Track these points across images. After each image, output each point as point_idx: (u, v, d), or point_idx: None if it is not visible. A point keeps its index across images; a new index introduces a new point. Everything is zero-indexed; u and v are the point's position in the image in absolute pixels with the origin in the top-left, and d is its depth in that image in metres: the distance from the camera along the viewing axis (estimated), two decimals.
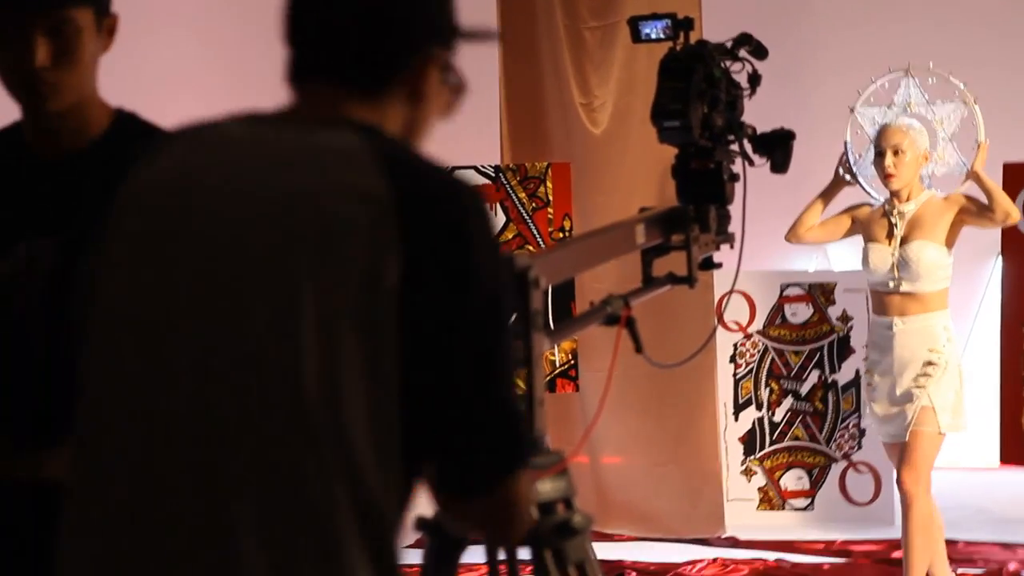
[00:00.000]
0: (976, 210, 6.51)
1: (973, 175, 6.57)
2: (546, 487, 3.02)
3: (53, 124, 2.94)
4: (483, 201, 2.24)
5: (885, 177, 6.38)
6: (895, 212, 6.43)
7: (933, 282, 6.43)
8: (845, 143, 6.83)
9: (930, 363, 6.32)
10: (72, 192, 2.77)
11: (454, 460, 2.18)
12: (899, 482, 6.47)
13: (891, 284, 6.42)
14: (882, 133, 6.51)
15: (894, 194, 6.44)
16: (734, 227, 3.77)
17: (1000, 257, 8.31)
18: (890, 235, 6.42)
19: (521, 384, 3.08)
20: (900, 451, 6.50)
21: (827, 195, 6.81)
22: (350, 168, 2.15)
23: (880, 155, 6.40)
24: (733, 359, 9.15)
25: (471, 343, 2.14)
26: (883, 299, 6.53)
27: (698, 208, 3.66)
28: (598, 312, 3.42)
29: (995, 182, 6.43)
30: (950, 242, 6.51)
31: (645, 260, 3.70)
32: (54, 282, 2.57)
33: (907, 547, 6.60)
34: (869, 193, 6.67)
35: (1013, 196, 7.85)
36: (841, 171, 6.77)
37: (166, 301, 2.17)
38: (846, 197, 6.97)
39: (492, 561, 3.34)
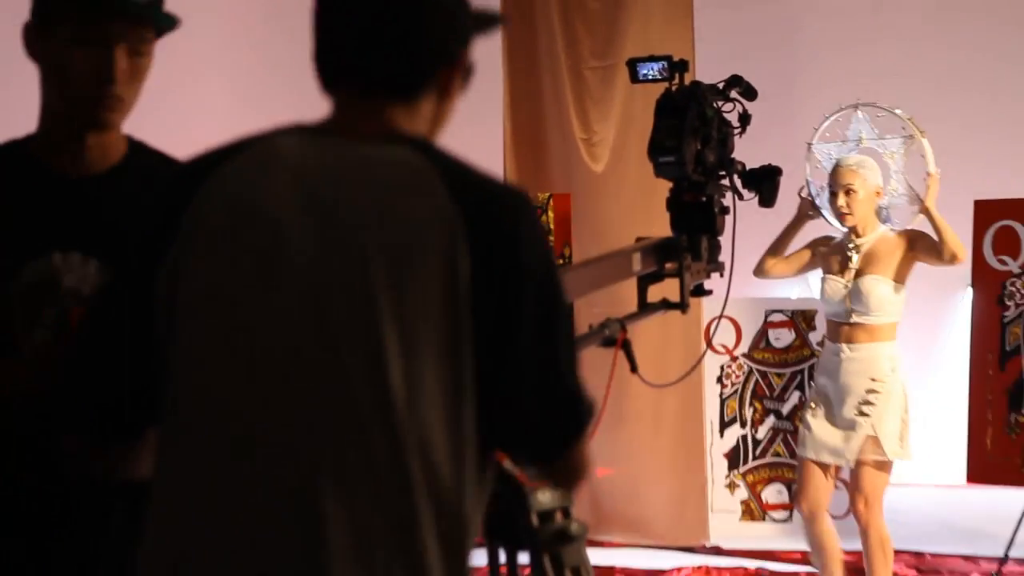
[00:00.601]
0: (927, 247, 6.51)
1: (924, 211, 6.57)
2: (545, 497, 2.94)
3: (87, 142, 2.83)
4: (532, 205, 2.28)
5: (839, 216, 6.39)
6: (851, 246, 6.44)
7: (883, 315, 6.41)
8: (807, 179, 6.83)
9: (872, 391, 6.31)
10: (96, 212, 2.76)
11: (533, 436, 2.29)
12: (853, 510, 6.47)
13: (843, 314, 6.41)
14: (834, 173, 6.52)
15: (851, 229, 6.44)
16: (724, 256, 3.83)
17: (971, 287, 8.25)
18: (845, 268, 6.41)
19: None
20: (831, 478, 6.54)
21: (791, 230, 6.80)
22: (417, 186, 2.17)
23: (834, 195, 6.42)
24: (720, 380, 9.16)
25: (537, 332, 2.19)
26: (835, 327, 6.49)
27: (691, 238, 3.71)
28: (596, 334, 3.45)
29: (944, 220, 6.44)
30: (901, 278, 6.51)
31: (641, 286, 3.73)
32: (109, 294, 2.45)
33: (869, 565, 6.61)
34: (832, 224, 6.66)
35: (983, 231, 8.05)
36: (804, 206, 6.74)
37: (252, 313, 2.18)
38: (814, 229, 6.95)
39: (493, 563, 3.35)
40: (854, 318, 6.35)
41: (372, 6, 2.28)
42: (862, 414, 6.23)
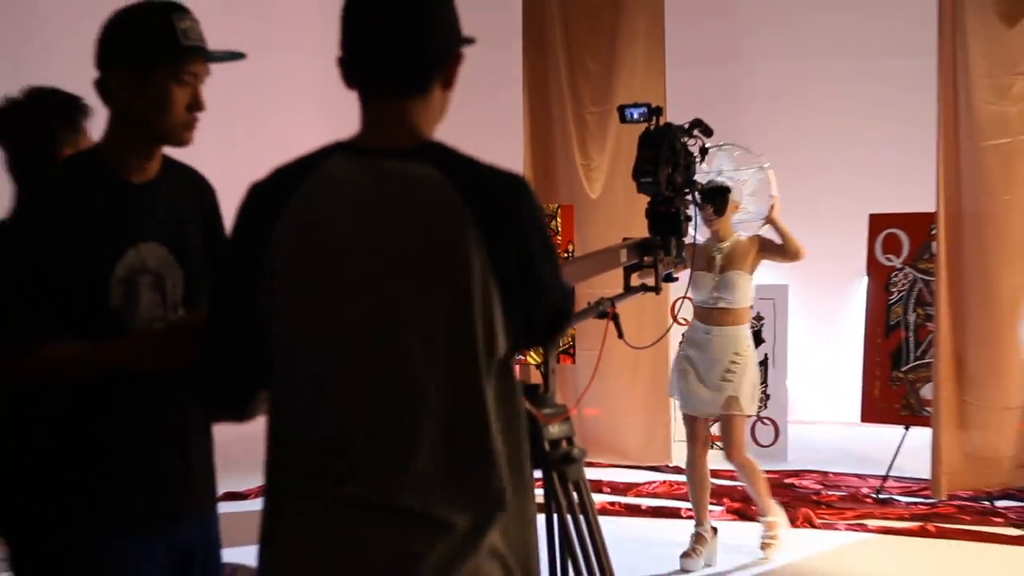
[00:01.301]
0: (773, 249, 6.27)
1: (771, 221, 6.32)
2: (554, 429, 3.06)
3: (154, 155, 2.66)
4: (526, 183, 2.20)
5: (708, 224, 6.12)
6: (716, 248, 6.15)
7: (743, 301, 6.17)
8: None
9: (734, 362, 6.05)
10: (154, 209, 2.61)
11: (550, 326, 2.30)
12: (724, 451, 6.22)
13: (711, 301, 6.15)
14: (702, 195, 5.89)
15: (714, 235, 6.18)
16: (686, 253, 3.82)
17: (866, 277, 8.27)
18: (711, 266, 6.13)
19: (537, 357, 3.20)
20: (705, 425, 6.29)
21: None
22: (436, 196, 2.09)
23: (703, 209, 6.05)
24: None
25: (543, 261, 2.17)
26: (705, 312, 6.20)
27: (663, 239, 3.69)
28: (592, 309, 3.48)
29: (787, 228, 6.24)
30: (752, 270, 6.24)
31: (626, 274, 3.73)
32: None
33: (747, 485, 6.40)
34: (695, 233, 6.04)
35: (875, 236, 8.08)
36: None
37: (337, 305, 2.10)
38: None
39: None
40: (721, 304, 6.14)
41: (390, 19, 2.16)
42: (726, 380, 6.04)
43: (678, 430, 8.85)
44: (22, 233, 2.54)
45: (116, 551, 2.53)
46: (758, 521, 6.37)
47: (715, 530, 6.28)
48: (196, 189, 2.78)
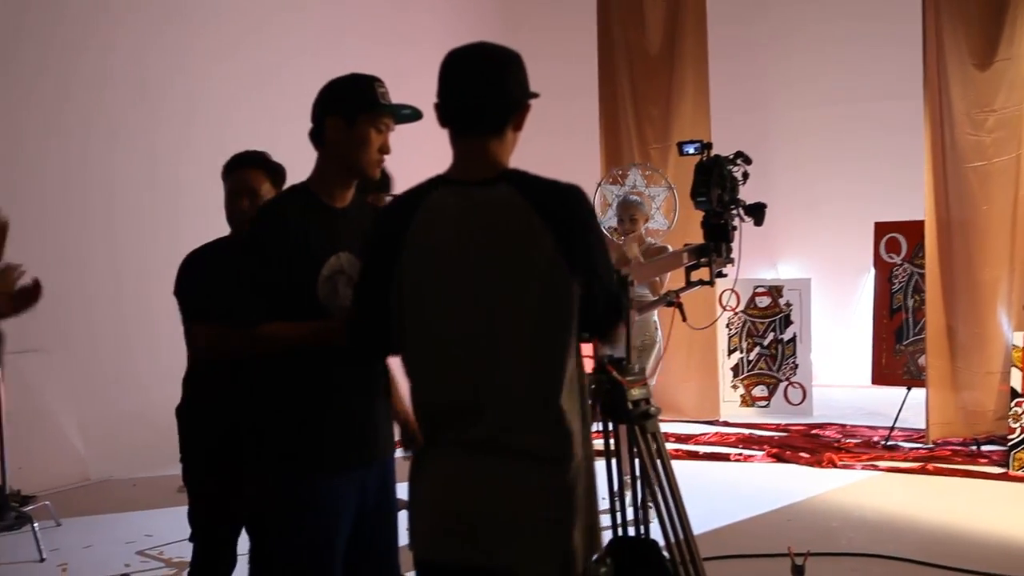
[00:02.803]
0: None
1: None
2: (635, 392, 3.11)
3: (350, 187, 2.72)
4: (582, 191, 2.18)
5: (624, 233, 5.78)
6: (632, 251, 5.67)
7: (652, 294, 5.54)
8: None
9: (644, 343, 5.65)
10: (350, 227, 2.63)
11: (603, 319, 2.23)
12: None
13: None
14: (622, 205, 5.92)
15: (627, 240, 5.76)
16: (733, 255, 3.76)
17: (873, 271, 8.12)
18: (627, 264, 5.39)
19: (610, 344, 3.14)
20: None
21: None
22: (515, 214, 2.10)
23: (621, 220, 5.84)
24: (728, 325, 9.11)
25: (601, 260, 2.17)
26: None
27: (715, 244, 3.65)
28: (661, 299, 3.56)
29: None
30: None
31: (687, 271, 3.70)
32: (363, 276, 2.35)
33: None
34: (615, 240, 5.92)
35: (880, 239, 7.90)
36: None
37: (451, 301, 2.13)
38: None
39: (605, 430, 3.38)
40: (637, 296, 5.41)
41: (477, 78, 2.17)
42: (638, 357, 5.36)
43: (725, 392, 9.00)
44: (255, 242, 2.64)
45: (324, 485, 2.60)
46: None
47: None
48: (371, 215, 2.78)
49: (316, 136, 2.70)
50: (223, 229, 3.37)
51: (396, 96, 2.71)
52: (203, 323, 3.09)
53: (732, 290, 8.68)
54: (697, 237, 3.79)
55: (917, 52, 7.52)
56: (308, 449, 2.60)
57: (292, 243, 2.59)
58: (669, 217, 6.62)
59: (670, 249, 5.71)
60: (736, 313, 9.16)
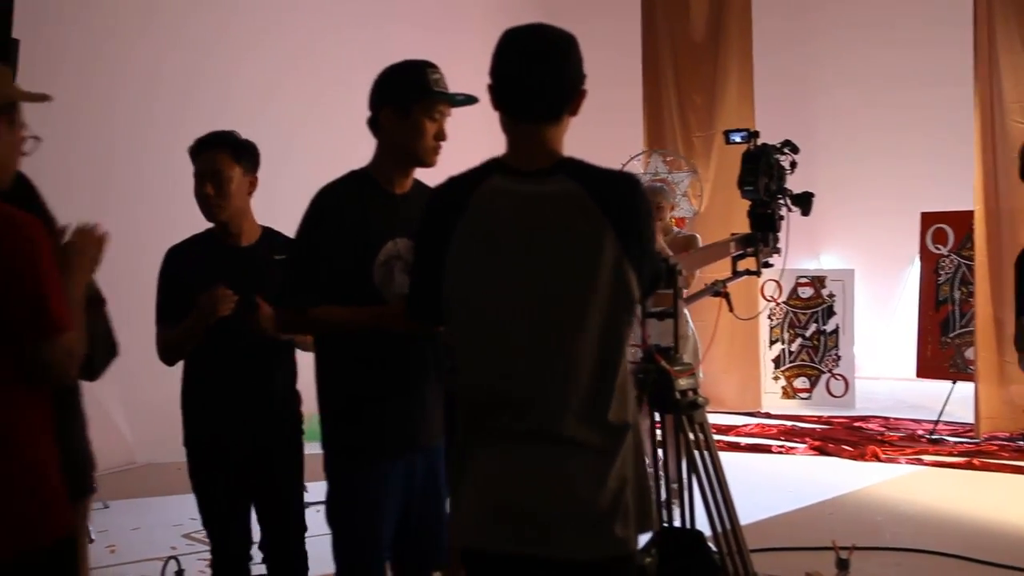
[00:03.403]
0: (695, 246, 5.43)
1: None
2: (683, 382, 3.09)
3: (408, 174, 2.74)
4: (638, 179, 2.20)
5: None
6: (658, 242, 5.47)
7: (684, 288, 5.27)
8: None
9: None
10: (406, 213, 2.60)
11: (650, 288, 2.27)
12: None
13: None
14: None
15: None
16: (780, 244, 3.77)
17: (919, 262, 8.10)
18: None
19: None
20: None
21: None
22: (573, 203, 2.09)
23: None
24: (770, 316, 9.07)
25: (651, 239, 2.18)
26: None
27: (762, 234, 3.65)
28: (710, 288, 3.51)
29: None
30: None
31: (733, 261, 3.70)
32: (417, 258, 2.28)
33: None
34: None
35: (926, 230, 7.88)
36: None
37: (506, 287, 2.10)
38: None
39: (652, 419, 3.45)
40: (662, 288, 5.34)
41: (535, 61, 2.12)
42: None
43: (766, 383, 8.98)
44: (310, 226, 2.67)
45: (376, 470, 2.68)
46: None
47: None
48: None
49: (373, 124, 2.72)
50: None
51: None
52: (165, 325, 3.14)
53: (775, 280, 8.61)
54: (728, 225, 3.75)
55: (965, 40, 7.44)
56: (363, 436, 2.67)
57: (347, 227, 2.62)
58: (695, 203, 6.46)
59: (698, 239, 5.69)
60: (778, 304, 9.11)
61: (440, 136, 2.69)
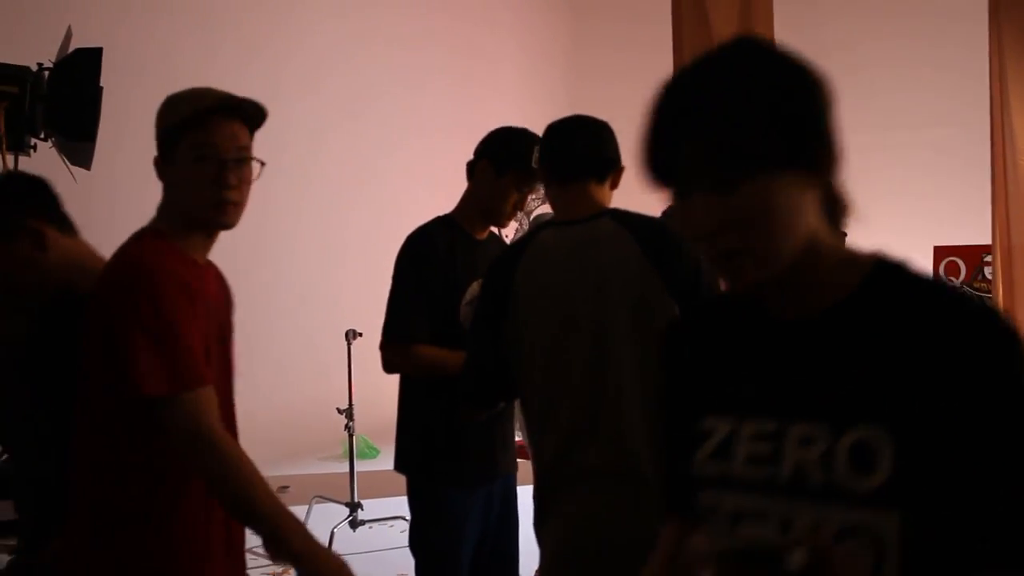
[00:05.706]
0: None
1: None
2: None
3: (487, 227, 2.88)
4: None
5: None
6: None
7: None
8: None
9: None
10: (485, 255, 2.69)
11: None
12: None
13: None
14: None
15: None
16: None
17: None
18: None
19: None
20: None
21: None
22: (617, 243, 2.18)
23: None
24: None
25: (699, 284, 2.17)
26: None
27: None
28: None
29: None
30: None
31: None
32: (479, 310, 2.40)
33: None
34: None
35: (939, 262, 7.98)
36: None
37: (556, 331, 2.21)
38: None
39: None
40: None
41: (579, 133, 2.33)
42: None
43: None
44: (410, 265, 2.81)
45: (458, 498, 2.83)
46: None
47: None
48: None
49: (470, 170, 2.89)
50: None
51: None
52: None
53: None
54: None
55: (977, 78, 7.62)
56: (450, 466, 2.81)
57: (439, 269, 2.78)
58: None
59: None
60: None
61: (520, 206, 2.86)
